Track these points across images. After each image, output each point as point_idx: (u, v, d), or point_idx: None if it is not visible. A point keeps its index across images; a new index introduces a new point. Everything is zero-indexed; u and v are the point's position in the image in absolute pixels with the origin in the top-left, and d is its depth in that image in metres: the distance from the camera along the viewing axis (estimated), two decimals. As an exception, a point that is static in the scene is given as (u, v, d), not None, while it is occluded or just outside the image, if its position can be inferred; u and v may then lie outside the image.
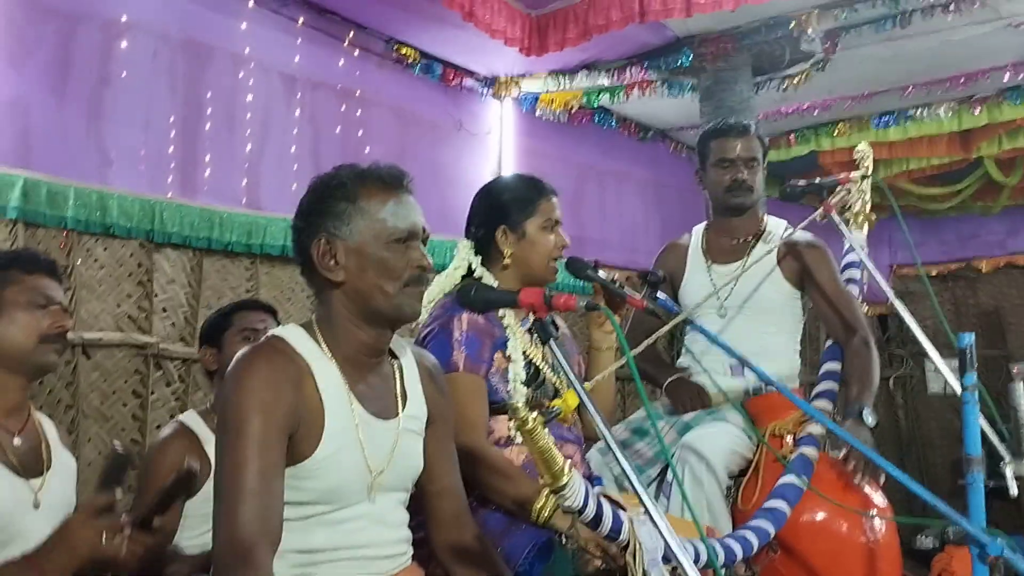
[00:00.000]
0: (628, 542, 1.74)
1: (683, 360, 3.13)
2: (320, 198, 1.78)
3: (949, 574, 6.25)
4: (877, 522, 2.59)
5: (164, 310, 4.00)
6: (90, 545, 1.67)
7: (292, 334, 1.76)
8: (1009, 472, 2.20)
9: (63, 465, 2.09)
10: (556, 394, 2.31)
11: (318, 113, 4.71)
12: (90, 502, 1.70)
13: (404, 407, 1.83)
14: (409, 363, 1.90)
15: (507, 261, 2.38)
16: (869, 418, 2.64)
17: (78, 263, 3.70)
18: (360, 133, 4.90)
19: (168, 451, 2.42)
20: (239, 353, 1.70)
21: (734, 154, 2.98)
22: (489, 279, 2.36)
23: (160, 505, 1.72)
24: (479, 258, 2.42)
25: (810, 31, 4.76)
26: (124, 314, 3.85)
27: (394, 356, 1.89)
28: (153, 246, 3.94)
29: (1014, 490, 2.20)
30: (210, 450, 2.31)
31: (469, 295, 1.82)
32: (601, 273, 2.29)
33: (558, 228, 2.41)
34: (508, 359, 2.27)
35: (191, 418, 2.53)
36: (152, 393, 3.88)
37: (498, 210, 2.41)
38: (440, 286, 2.42)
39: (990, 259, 8.38)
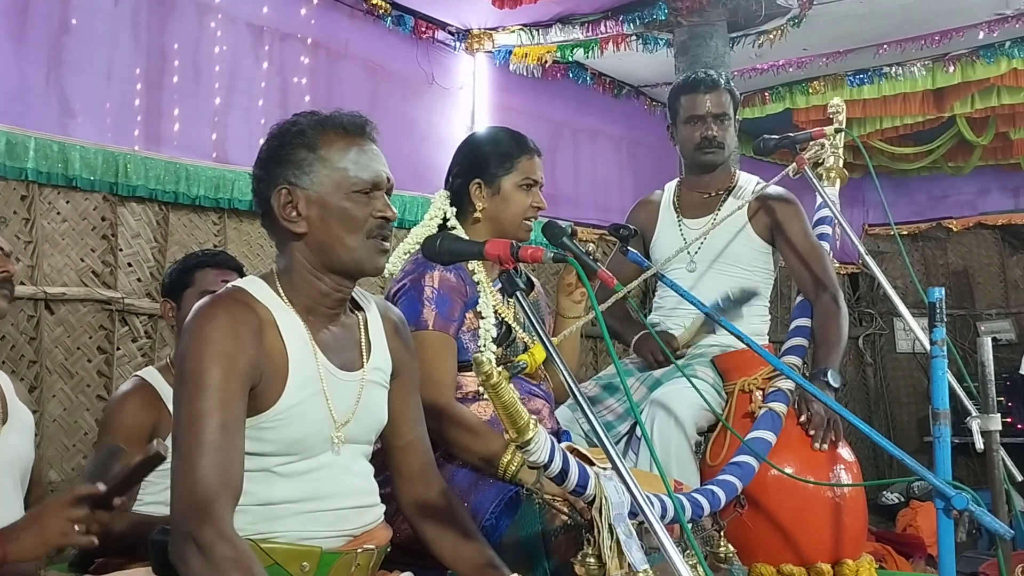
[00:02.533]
0: (594, 497, 1.73)
1: (653, 317, 3.12)
2: (280, 146, 1.73)
3: (914, 528, 6.38)
4: (844, 477, 2.60)
5: (129, 265, 3.95)
6: (61, 533, 1.65)
7: (253, 285, 1.72)
8: (975, 427, 2.21)
9: (19, 419, 2.05)
10: (526, 351, 2.28)
11: (287, 66, 4.63)
12: (72, 492, 1.67)
13: (368, 359, 1.80)
14: (374, 315, 1.87)
15: (478, 215, 2.34)
16: (834, 381, 2.64)
17: (39, 216, 3.63)
18: (330, 87, 4.82)
19: (127, 406, 2.38)
20: (199, 303, 1.66)
21: (703, 110, 2.95)
22: (461, 232, 2.31)
23: (123, 485, 1.68)
24: (454, 210, 2.37)
25: (786, -14, 4.72)
26: (88, 268, 3.80)
27: (358, 308, 1.86)
28: (117, 199, 3.88)
29: (980, 444, 2.21)
30: (170, 405, 2.28)
31: (435, 246, 1.79)
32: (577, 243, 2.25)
33: (536, 189, 2.35)
34: (479, 316, 2.25)
35: (150, 373, 2.49)
36: (118, 349, 3.84)
37: (476, 162, 2.36)
38: (415, 237, 2.37)
39: (960, 219, 8.45)
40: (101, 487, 1.66)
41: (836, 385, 2.64)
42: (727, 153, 3.01)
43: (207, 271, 2.55)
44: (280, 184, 1.71)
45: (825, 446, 2.58)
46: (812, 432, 2.59)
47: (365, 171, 1.73)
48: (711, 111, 2.95)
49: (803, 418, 2.61)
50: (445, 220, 2.37)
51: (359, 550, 1.71)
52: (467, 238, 2.23)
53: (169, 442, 1.60)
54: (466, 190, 2.35)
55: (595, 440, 2.01)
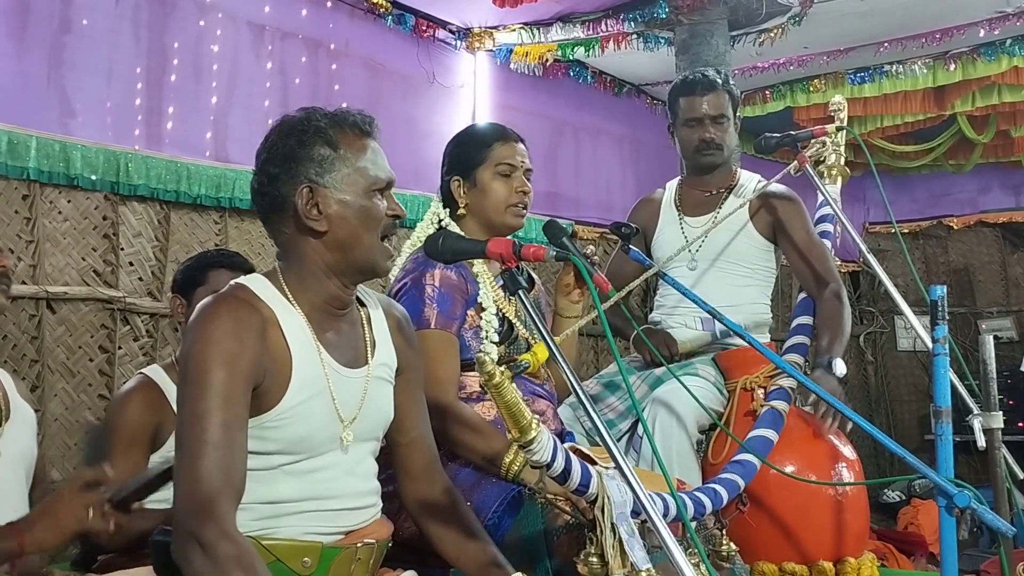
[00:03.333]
0: (597, 496, 1.73)
1: (654, 316, 3.12)
2: (300, 144, 1.71)
3: (916, 526, 6.38)
4: (846, 475, 2.60)
5: (131, 264, 3.94)
6: (76, 519, 1.66)
7: (256, 283, 1.72)
8: (977, 425, 2.22)
9: (21, 416, 2.06)
10: (528, 350, 2.28)
11: (287, 64, 4.62)
12: (78, 477, 1.68)
13: (373, 355, 1.80)
14: (377, 312, 1.87)
15: (461, 211, 2.35)
16: (839, 369, 2.63)
17: (41, 215, 3.63)
18: (331, 86, 4.82)
19: (131, 404, 2.39)
20: (202, 303, 1.66)
21: (701, 112, 2.95)
22: (456, 230, 2.31)
23: (143, 491, 1.70)
24: (447, 211, 2.38)
25: (787, -16, 4.72)
26: (89, 268, 3.80)
27: (361, 304, 1.86)
28: (119, 198, 3.88)
29: (982, 442, 2.21)
30: (174, 404, 2.28)
31: (437, 245, 1.79)
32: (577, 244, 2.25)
33: (518, 174, 2.33)
34: (480, 310, 2.24)
35: (155, 371, 2.50)
36: (119, 348, 3.84)
37: (453, 160, 2.38)
38: (413, 240, 2.38)
39: (961, 217, 8.45)
40: (108, 469, 1.68)
41: (840, 374, 2.62)
42: (726, 154, 3.01)
43: (222, 272, 2.54)
44: (303, 182, 1.70)
45: (835, 425, 2.56)
46: (821, 413, 2.57)
47: (382, 171, 1.75)
48: (709, 113, 2.94)
49: (811, 399, 2.58)
50: (440, 221, 2.37)
51: (359, 544, 1.71)
52: (467, 236, 2.24)
53: (173, 441, 1.61)
54: (450, 188, 2.36)
55: (597, 438, 2.02)
